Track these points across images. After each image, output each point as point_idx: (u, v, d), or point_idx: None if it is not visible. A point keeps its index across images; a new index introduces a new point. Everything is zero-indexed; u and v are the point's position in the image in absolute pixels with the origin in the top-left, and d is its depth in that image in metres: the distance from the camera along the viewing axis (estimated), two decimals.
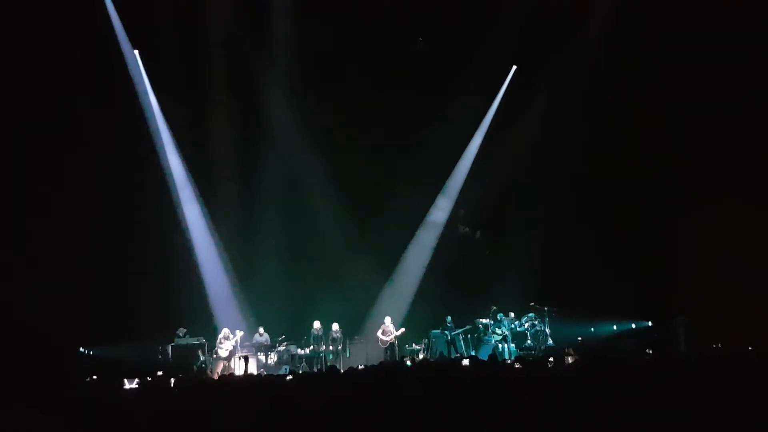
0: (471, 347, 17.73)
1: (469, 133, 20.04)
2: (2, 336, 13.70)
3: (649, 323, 18.19)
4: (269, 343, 17.18)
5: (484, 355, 16.57)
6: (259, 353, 17.03)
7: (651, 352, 14.58)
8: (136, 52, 17.66)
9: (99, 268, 16.36)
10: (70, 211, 16.17)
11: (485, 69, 18.32)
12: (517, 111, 18.99)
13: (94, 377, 13.05)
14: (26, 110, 15.47)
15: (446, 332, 17.61)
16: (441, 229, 20.06)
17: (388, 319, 17.68)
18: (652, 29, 16.86)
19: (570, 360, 14.39)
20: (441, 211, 20.08)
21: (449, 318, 17.75)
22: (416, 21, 17.49)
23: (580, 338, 17.21)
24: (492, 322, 17.71)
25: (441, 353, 17.11)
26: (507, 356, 16.28)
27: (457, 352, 17.24)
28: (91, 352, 16.05)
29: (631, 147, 18.60)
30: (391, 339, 17.40)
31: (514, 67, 19.37)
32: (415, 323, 18.27)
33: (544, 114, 18.32)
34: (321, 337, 17.40)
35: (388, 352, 17.32)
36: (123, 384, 11.44)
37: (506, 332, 17.43)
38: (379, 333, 17.59)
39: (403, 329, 17.59)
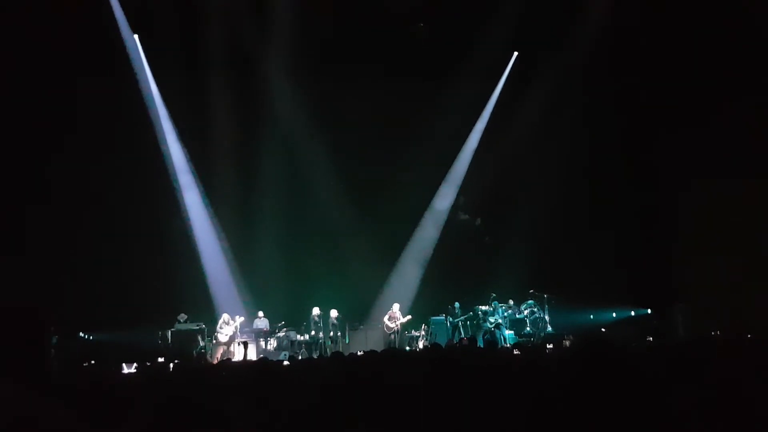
0: (469, 334, 17.75)
1: (472, 119, 20.01)
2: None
3: (649, 311, 18.21)
4: (268, 327, 17.21)
5: (482, 341, 16.62)
6: (258, 339, 17.07)
7: (651, 339, 14.60)
8: (136, 36, 17.60)
9: (99, 253, 16.38)
10: (70, 196, 16.19)
11: (487, 55, 18.26)
12: (518, 97, 18.95)
13: (92, 362, 13.08)
14: (26, 96, 15.40)
15: (450, 318, 17.65)
16: (443, 216, 20.07)
17: (396, 306, 17.72)
18: (654, 13, 16.78)
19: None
20: (443, 198, 20.06)
21: (457, 304, 17.78)
22: (418, 6, 17.39)
23: (603, 329, 17.28)
24: (491, 309, 17.76)
25: (449, 339, 17.15)
26: (501, 344, 16.28)
27: (460, 338, 17.30)
28: (91, 337, 16.11)
29: (631, 134, 18.55)
30: (396, 326, 17.42)
31: (515, 53, 19.30)
32: (415, 310, 18.31)
33: (544, 101, 18.28)
34: (320, 323, 17.41)
35: (391, 338, 17.34)
36: (121, 369, 11.49)
37: (499, 320, 17.46)
38: (385, 318, 17.64)
39: (409, 317, 17.64)
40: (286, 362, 9.11)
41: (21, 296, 14.17)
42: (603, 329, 17.22)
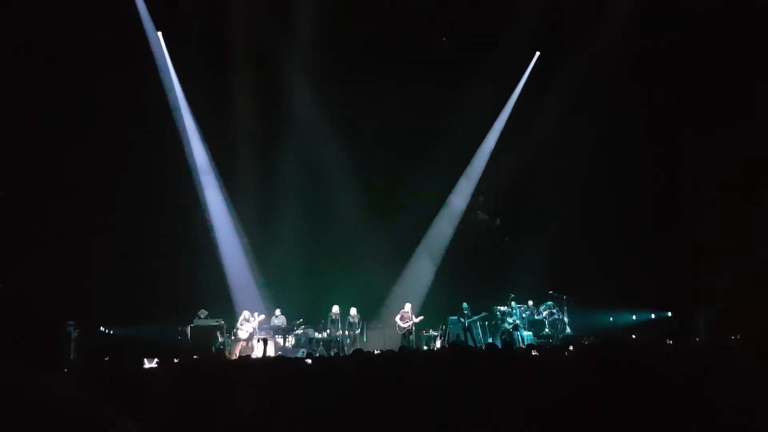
0: (488, 334, 17.71)
1: (491, 118, 19.92)
2: (23, 314, 13.92)
3: (669, 314, 18.04)
4: (285, 325, 17.29)
5: (500, 342, 16.59)
6: (276, 336, 17.16)
7: (671, 342, 14.44)
8: (160, 34, 17.73)
9: (121, 249, 16.54)
10: (93, 193, 16.36)
11: (508, 55, 18.19)
12: (540, 97, 18.85)
13: (110, 357, 13.19)
14: (50, 94, 15.58)
15: (462, 319, 17.59)
16: (460, 215, 20.02)
17: (408, 306, 17.70)
18: (679, 14, 16.65)
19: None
20: (461, 197, 20.01)
21: (465, 304, 17.72)
22: (440, 5, 17.36)
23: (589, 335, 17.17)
24: (509, 310, 17.68)
25: (457, 335, 17.12)
26: (519, 344, 16.21)
27: (473, 339, 17.24)
28: (112, 332, 16.29)
29: (655, 134, 18.37)
30: (409, 326, 17.41)
31: (537, 53, 19.21)
32: (433, 309, 18.28)
33: (566, 101, 18.17)
34: (338, 321, 17.46)
35: (406, 337, 17.34)
36: (143, 363, 11.58)
37: (517, 321, 17.38)
38: (397, 318, 17.63)
39: (421, 317, 17.62)
40: (308, 360, 9.12)
41: (44, 291, 14.37)
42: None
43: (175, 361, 11.87)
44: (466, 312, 17.62)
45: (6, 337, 12.30)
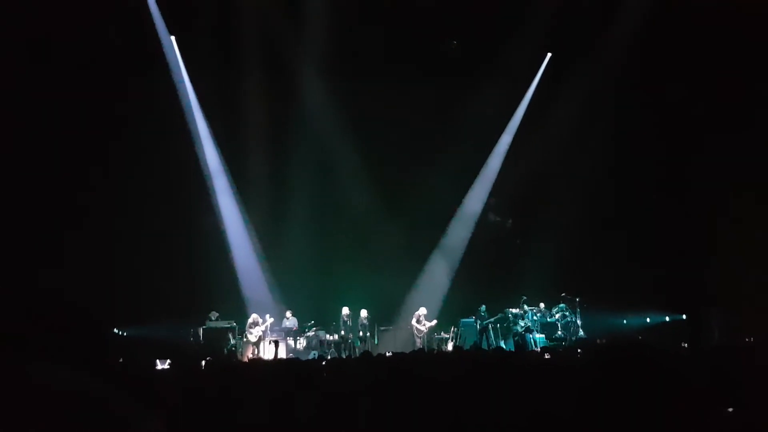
0: (500, 337, 17.65)
1: (504, 120, 19.88)
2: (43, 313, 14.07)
3: (684, 316, 17.92)
4: (297, 327, 17.31)
5: (512, 344, 16.56)
6: (288, 338, 17.18)
7: (686, 345, 14.34)
8: (173, 38, 17.82)
9: (134, 251, 16.61)
10: (106, 196, 16.46)
11: (521, 56, 18.15)
12: (552, 99, 18.78)
13: (122, 359, 13.28)
14: (65, 98, 15.66)
15: (478, 321, 17.55)
16: (474, 218, 19.95)
17: (423, 309, 17.66)
18: (691, 16, 16.56)
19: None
20: (475, 199, 19.94)
21: (483, 307, 17.68)
22: (452, 5, 17.35)
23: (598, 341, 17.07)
24: (521, 312, 17.62)
25: (475, 342, 17.07)
26: (531, 347, 16.15)
27: (488, 342, 17.19)
28: (125, 333, 16.37)
29: (669, 134, 18.26)
30: (426, 329, 17.39)
31: (549, 54, 19.15)
32: (444, 312, 18.25)
33: (578, 102, 18.09)
34: (349, 323, 17.46)
35: (420, 340, 17.31)
36: (155, 364, 11.64)
37: (530, 323, 17.31)
38: (413, 321, 17.58)
39: (435, 321, 17.59)
40: (324, 363, 9.11)
41: (59, 293, 14.47)
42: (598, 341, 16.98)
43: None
44: (483, 314, 17.58)
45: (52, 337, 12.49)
